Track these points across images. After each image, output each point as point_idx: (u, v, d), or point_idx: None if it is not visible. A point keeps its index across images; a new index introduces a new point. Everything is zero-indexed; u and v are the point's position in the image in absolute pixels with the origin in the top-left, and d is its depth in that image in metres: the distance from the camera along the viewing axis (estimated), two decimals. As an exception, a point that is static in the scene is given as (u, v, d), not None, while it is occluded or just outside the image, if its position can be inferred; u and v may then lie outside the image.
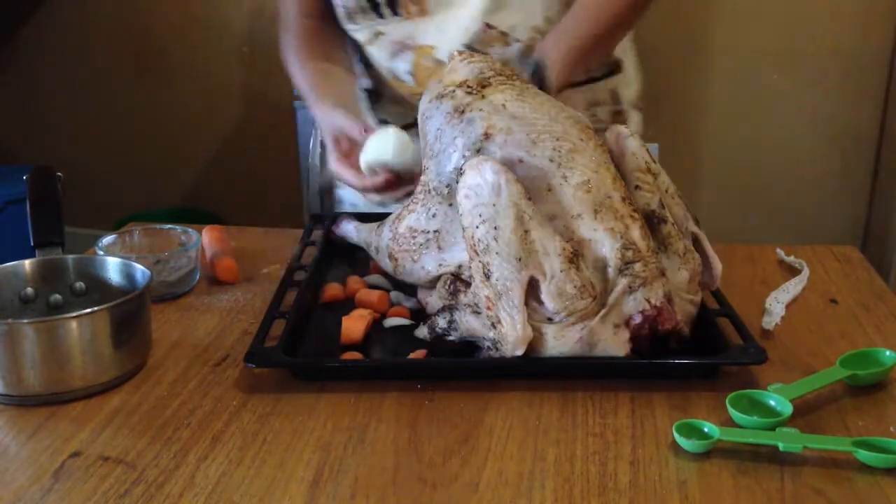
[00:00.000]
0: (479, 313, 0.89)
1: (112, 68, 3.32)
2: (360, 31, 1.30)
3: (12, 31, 3.39)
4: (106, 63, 3.32)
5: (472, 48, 1.22)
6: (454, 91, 0.99)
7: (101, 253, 1.07)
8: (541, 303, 0.86)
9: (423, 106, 1.03)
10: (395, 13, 1.25)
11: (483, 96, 0.97)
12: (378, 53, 1.30)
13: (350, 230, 1.17)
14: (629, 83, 1.42)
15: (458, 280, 0.93)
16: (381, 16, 1.26)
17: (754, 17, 2.70)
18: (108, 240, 1.11)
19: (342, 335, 0.96)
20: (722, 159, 2.82)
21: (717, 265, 0.97)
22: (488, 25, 1.24)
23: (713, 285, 0.98)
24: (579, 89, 1.31)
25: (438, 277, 0.96)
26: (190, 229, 1.15)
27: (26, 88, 3.45)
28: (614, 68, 1.37)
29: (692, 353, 0.92)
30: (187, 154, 3.38)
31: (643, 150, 0.97)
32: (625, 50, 1.40)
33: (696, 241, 0.97)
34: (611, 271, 0.88)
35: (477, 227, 0.87)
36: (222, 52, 3.22)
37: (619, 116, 1.38)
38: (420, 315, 1.01)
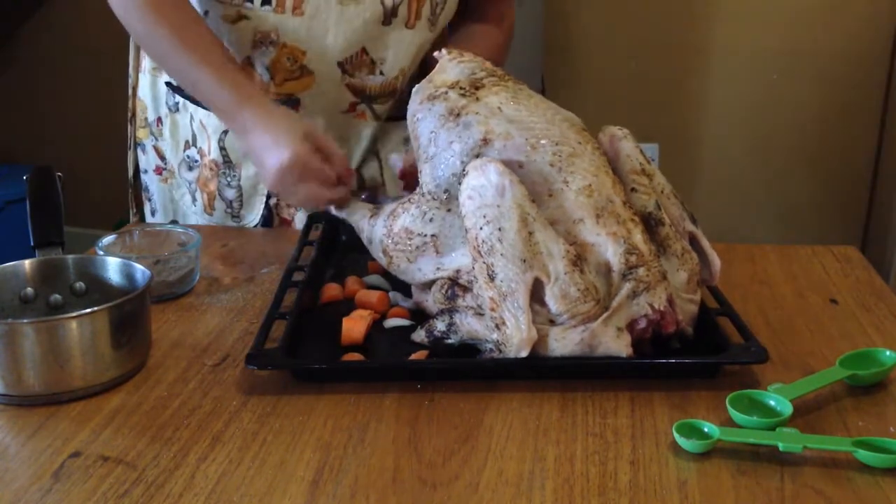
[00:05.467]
0: (481, 315, 0.89)
1: (112, 68, 3.32)
2: (223, 6, 1.23)
3: (12, 31, 3.39)
4: (106, 63, 3.32)
5: (342, 66, 1.24)
6: (447, 92, 0.99)
7: (101, 253, 1.07)
8: (543, 304, 0.86)
9: (414, 107, 1.02)
10: (266, 1, 1.21)
11: (477, 98, 0.97)
12: (237, 36, 1.24)
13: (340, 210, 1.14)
14: None
15: (456, 285, 0.93)
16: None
17: (754, 17, 2.70)
18: (107, 240, 1.11)
19: (343, 336, 0.95)
20: (722, 159, 2.82)
21: (716, 261, 0.97)
22: (364, 51, 1.25)
23: (712, 281, 0.98)
24: (398, 123, 1.30)
25: (434, 281, 0.96)
26: (190, 230, 1.15)
27: (26, 88, 3.45)
28: None
29: (694, 353, 0.92)
30: (187, 154, 3.38)
31: (637, 151, 0.97)
32: None
33: (694, 239, 0.97)
34: (615, 276, 0.88)
35: (481, 228, 0.87)
36: (222, 52, 3.22)
37: None
38: (419, 315, 1.00)
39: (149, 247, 1.14)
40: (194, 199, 1.38)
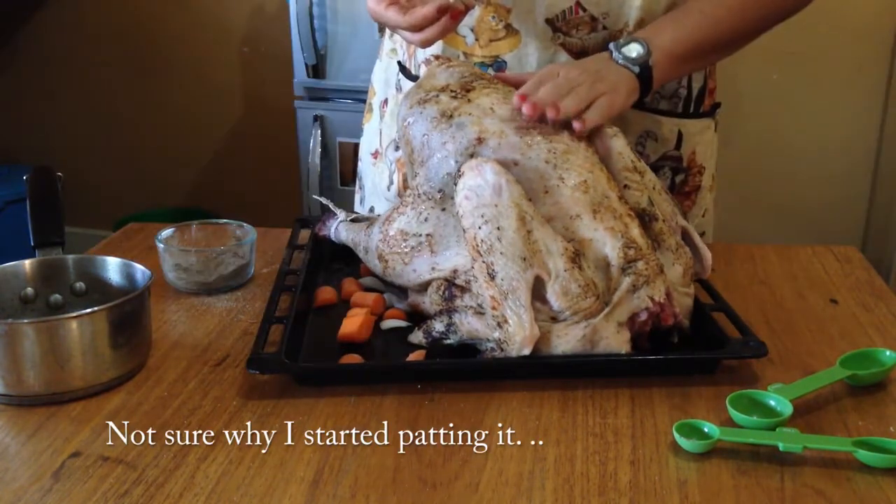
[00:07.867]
0: (482, 314, 0.89)
1: (112, 68, 3.33)
2: None
3: (12, 31, 3.40)
4: (106, 63, 3.32)
5: (553, 25, 1.13)
6: (437, 96, 0.99)
7: (161, 246, 1.09)
8: (544, 302, 0.86)
9: (404, 112, 1.01)
10: None
11: (469, 100, 0.97)
12: None
13: (335, 230, 1.15)
14: (710, 141, 1.28)
15: (454, 285, 0.93)
16: None
17: (754, 17, 2.70)
18: (166, 233, 1.13)
19: (346, 334, 0.95)
20: (722, 159, 2.82)
21: (707, 255, 0.99)
22: (580, 7, 1.11)
23: (704, 274, 1.00)
24: (641, 113, 1.19)
25: (429, 282, 0.96)
26: (245, 224, 1.16)
27: (26, 88, 3.45)
28: (692, 106, 1.23)
29: (693, 350, 0.92)
30: (187, 154, 3.38)
31: (628, 149, 0.97)
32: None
33: (686, 234, 0.98)
34: (614, 270, 0.88)
35: (479, 227, 0.87)
36: (222, 53, 3.22)
37: (678, 175, 1.25)
38: (415, 316, 1.00)
39: (205, 240, 1.16)
40: (391, 182, 1.33)
